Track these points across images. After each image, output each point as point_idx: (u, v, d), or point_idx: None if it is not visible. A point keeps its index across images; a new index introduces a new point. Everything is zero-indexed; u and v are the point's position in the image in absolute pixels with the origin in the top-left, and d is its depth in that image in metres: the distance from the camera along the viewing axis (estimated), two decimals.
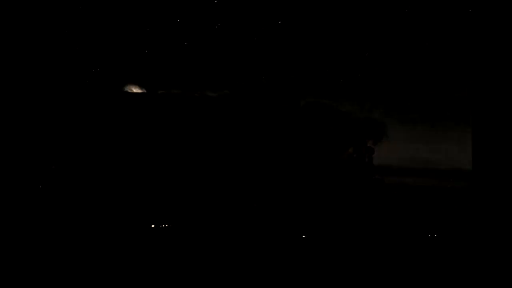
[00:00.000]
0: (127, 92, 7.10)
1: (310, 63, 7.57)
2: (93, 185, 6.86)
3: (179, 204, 6.94)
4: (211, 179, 7.00)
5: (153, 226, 6.74)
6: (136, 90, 7.21)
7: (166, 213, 6.86)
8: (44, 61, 7.10)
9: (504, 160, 6.74)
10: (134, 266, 6.32)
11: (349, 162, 7.21)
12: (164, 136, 7.01)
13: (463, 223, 7.01)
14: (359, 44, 7.55)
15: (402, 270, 6.60)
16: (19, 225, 6.63)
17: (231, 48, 7.40)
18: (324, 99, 7.38)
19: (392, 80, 7.54)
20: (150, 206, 6.85)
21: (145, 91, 7.15)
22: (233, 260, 6.58)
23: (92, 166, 6.90)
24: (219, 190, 6.99)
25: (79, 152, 6.93)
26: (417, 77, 7.50)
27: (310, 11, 7.52)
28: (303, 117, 7.21)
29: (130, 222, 6.78)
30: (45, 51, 7.10)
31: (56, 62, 7.13)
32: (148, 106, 7.08)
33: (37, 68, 7.06)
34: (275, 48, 7.47)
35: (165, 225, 6.77)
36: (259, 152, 7.09)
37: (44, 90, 6.99)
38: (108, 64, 7.22)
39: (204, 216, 6.96)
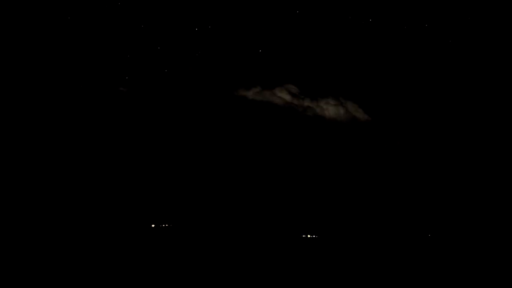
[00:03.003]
0: (120, 97, 7.16)
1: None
2: (93, 185, 6.87)
3: (179, 204, 6.95)
4: (210, 179, 7.02)
5: (153, 226, 6.74)
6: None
7: (166, 213, 6.87)
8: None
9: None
10: (134, 266, 6.33)
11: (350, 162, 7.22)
12: (157, 139, 7.03)
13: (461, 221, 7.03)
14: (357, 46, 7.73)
15: (401, 270, 6.62)
16: (19, 225, 6.63)
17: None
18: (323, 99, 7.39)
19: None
20: (150, 206, 6.87)
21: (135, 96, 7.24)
22: (232, 259, 6.60)
23: (91, 167, 6.91)
24: (218, 189, 7.00)
25: (78, 153, 6.94)
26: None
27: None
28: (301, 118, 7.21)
29: (130, 222, 6.79)
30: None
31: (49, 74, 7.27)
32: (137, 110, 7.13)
33: (33, 71, 7.09)
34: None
35: (165, 225, 6.78)
36: (255, 153, 7.11)
37: (42, 91, 7.00)
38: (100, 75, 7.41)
39: (204, 216, 6.97)
